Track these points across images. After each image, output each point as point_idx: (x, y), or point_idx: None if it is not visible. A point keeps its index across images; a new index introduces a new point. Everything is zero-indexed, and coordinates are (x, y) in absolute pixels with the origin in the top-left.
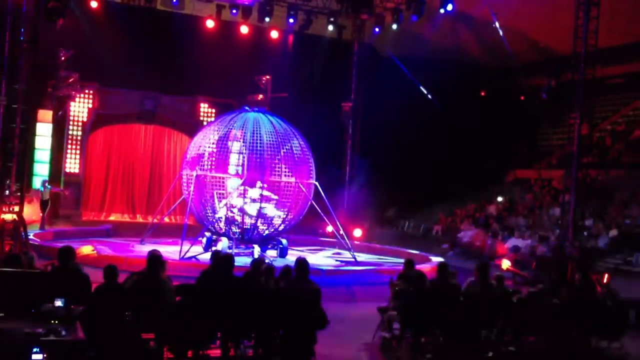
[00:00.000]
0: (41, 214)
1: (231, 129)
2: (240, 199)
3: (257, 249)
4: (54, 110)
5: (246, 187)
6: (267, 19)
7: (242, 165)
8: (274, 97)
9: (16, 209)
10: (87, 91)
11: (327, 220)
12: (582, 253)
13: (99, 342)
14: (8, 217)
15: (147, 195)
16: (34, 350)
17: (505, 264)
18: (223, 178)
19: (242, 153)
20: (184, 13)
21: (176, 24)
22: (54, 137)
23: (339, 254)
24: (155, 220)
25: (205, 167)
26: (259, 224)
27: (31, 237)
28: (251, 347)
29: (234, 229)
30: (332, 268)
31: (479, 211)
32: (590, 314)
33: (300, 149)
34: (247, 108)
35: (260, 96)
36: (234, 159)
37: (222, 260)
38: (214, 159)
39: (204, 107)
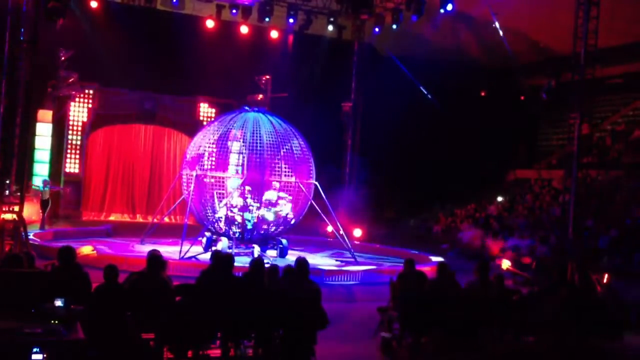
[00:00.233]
0: (41, 214)
1: (231, 128)
2: (240, 199)
3: (257, 249)
4: (54, 110)
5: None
6: (267, 19)
7: (242, 165)
8: (274, 97)
9: (16, 208)
10: (87, 91)
11: (327, 220)
12: (582, 253)
13: (99, 342)
14: (8, 217)
15: (147, 195)
16: (34, 350)
17: (505, 264)
18: (223, 178)
19: (242, 153)
20: (184, 13)
21: (176, 24)
22: (54, 137)
23: (339, 254)
24: (155, 220)
25: (205, 167)
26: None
27: (31, 237)
28: (251, 347)
29: (234, 229)
30: (332, 268)
31: (479, 211)
32: (590, 314)
33: (300, 149)
34: (247, 108)
35: (260, 96)
36: (233, 158)
37: (222, 260)
38: (213, 158)
39: (203, 107)
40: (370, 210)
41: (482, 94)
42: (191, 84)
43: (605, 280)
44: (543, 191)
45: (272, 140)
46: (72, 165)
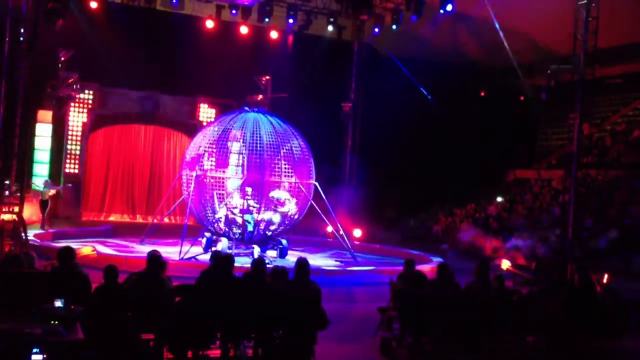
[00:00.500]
0: (41, 215)
1: (231, 129)
2: (239, 200)
3: (257, 250)
4: (54, 110)
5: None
6: (266, 19)
7: (242, 165)
8: (274, 97)
9: (16, 209)
10: (86, 91)
11: (326, 221)
12: (581, 253)
13: (99, 343)
14: (8, 217)
15: (147, 195)
16: (34, 350)
17: (505, 264)
18: (223, 178)
19: (242, 153)
20: (184, 13)
21: (176, 24)
22: (53, 138)
23: (339, 254)
24: (155, 221)
25: (205, 167)
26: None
27: (31, 237)
28: (251, 348)
29: (234, 229)
30: (332, 268)
31: (479, 211)
32: (590, 315)
33: (300, 149)
34: (246, 108)
35: (260, 96)
36: (233, 159)
37: (222, 261)
38: (213, 159)
39: (203, 108)
40: (370, 211)
41: (482, 94)
42: (191, 84)
43: (605, 281)
44: (543, 191)
45: (272, 141)
46: (71, 166)
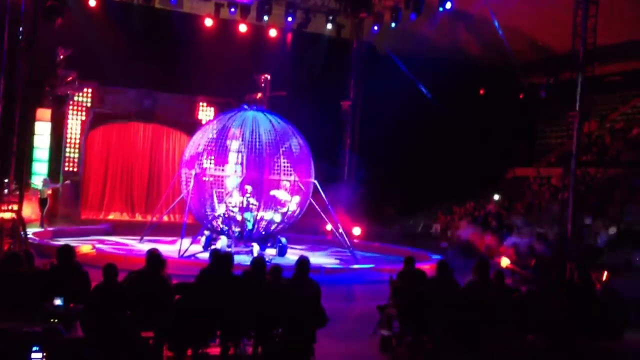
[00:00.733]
0: (40, 213)
1: (230, 127)
2: (239, 199)
3: (256, 248)
4: (53, 109)
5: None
6: (265, 18)
7: (241, 163)
8: (273, 95)
9: (15, 207)
10: (85, 90)
11: (326, 219)
12: (581, 251)
13: (98, 341)
14: (7, 216)
15: (146, 194)
16: (33, 349)
17: (505, 262)
18: (222, 177)
19: (241, 152)
20: (183, 12)
21: (175, 22)
22: (52, 136)
23: (338, 252)
24: (154, 219)
25: (204, 165)
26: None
27: (30, 235)
28: (250, 346)
29: (234, 227)
30: (332, 266)
31: (478, 209)
32: (589, 312)
33: (299, 148)
34: (245, 107)
35: (259, 95)
36: (232, 157)
37: (221, 259)
38: (212, 157)
39: (202, 106)
40: (369, 209)
41: (481, 92)
42: (190, 82)
43: (604, 278)
44: (542, 189)
45: (271, 139)
46: (70, 164)
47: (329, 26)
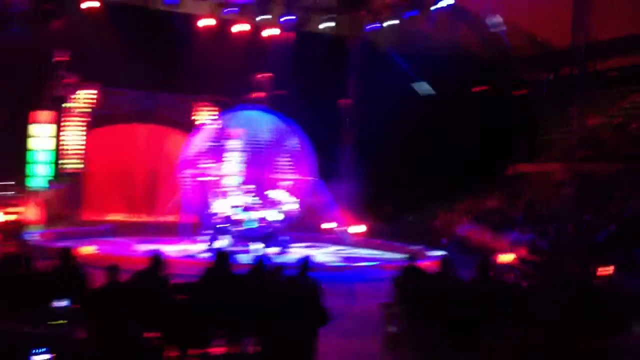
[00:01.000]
0: (41, 215)
1: (230, 127)
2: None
3: (257, 247)
4: (53, 110)
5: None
6: (264, 17)
7: (242, 163)
8: (273, 94)
9: (17, 209)
10: (86, 91)
11: (327, 217)
12: (582, 247)
13: (101, 342)
14: (9, 217)
15: (147, 194)
16: (35, 350)
17: (505, 258)
18: (222, 176)
19: (241, 151)
20: (182, 12)
21: (174, 23)
22: (53, 138)
23: (339, 250)
24: (155, 219)
25: (204, 165)
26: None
27: (32, 237)
28: (252, 345)
29: (234, 227)
30: (333, 264)
31: (479, 206)
32: (591, 308)
33: (300, 146)
34: (245, 106)
35: (259, 94)
36: (233, 157)
37: (222, 258)
38: (212, 158)
39: (203, 106)
40: (370, 206)
41: (481, 88)
42: (190, 83)
43: (608, 273)
44: (543, 185)
45: (272, 138)
46: (71, 166)
47: (328, 24)
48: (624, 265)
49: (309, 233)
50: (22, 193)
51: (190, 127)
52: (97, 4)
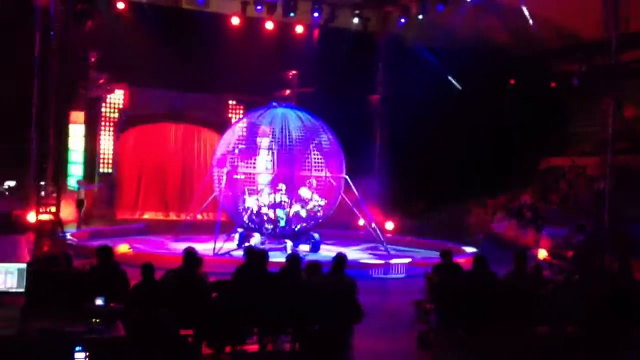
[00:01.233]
0: (77, 214)
1: (260, 125)
2: (270, 196)
3: (289, 244)
4: (86, 111)
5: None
6: (291, 14)
7: (272, 161)
8: (301, 91)
9: (53, 209)
10: (117, 92)
11: (358, 214)
12: (618, 240)
13: (138, 339)
14: (45, 217)
15: (179, 193)
16: (76, 349)
17: (542, 253)
18: (253, 174)
19: (272, 149)
20: (209, 11)
21: (202, 22)
22: (86, 138)
23: (371, 247)
24: (188, 218)
25: (235, 163)
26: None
27: (68, 236)
28: (288, 342)
29: (267, 225)
30: (366, 261)
31: (512, 201)
32: (628, 303)
33: (329, 143)
34: (274, 104)
35: (287, 91)
36: (263, 155)
37: (256, 256)
38: (243, 156)
39: (231, 104)
40: (401, 203)
41: (512, 82)
42: (218, 81)
43: None
44: (578, 179)
45: (301, 135)
46: (105, 166)
47: (355, 20)
48: None
49: (340, 230)
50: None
51: (220, 126)
52: (126, 5)
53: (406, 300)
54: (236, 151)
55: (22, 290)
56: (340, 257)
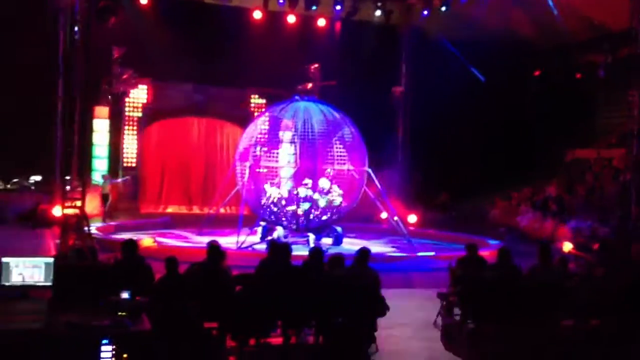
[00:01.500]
0: (102, 208)
1: (282, 118)
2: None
3: (312, 237)
4: (110, 106)
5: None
6: (313, 7)
7: (295, 154)
8: (323, 85)
9: (78, 204)
10: (140, 86)
11: (381, 207)
12: None
13: (164, 332)
14: (71, 212)
15: (203, 186)
16: (103, 342)
17: (567, 246)
18: (276, 168)
19: (294, 142)
20: (232, 5)
21: (224, 16)
22: (111, 133)
23: (394, 240)
24: (211, 212)
25: (258, 157)
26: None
27: (93, 230)
28: (312, 335)
29: (289, 218)
30: (389, 255)
31: (537, 193)
32: None
33: (352, 136)
34: (297, 97)
35: (310, 85)
36: (286, 148)
37: (279, 249)
38: (266, 149)
39: (254, 98)
40: (424, 196)
41: (536, 73)
42: (241, 75)
43: None
44: (603, 171)
45: (324, 129)
46: (129, 160)
47: (378, 13)
48: None
49: (363, 224)
50: (83, 187)
51: (242, 120)
52: (149, 0)
53: (431, 293)
54: (258, 145)
55: (49, 284)
56: (364, 251)
